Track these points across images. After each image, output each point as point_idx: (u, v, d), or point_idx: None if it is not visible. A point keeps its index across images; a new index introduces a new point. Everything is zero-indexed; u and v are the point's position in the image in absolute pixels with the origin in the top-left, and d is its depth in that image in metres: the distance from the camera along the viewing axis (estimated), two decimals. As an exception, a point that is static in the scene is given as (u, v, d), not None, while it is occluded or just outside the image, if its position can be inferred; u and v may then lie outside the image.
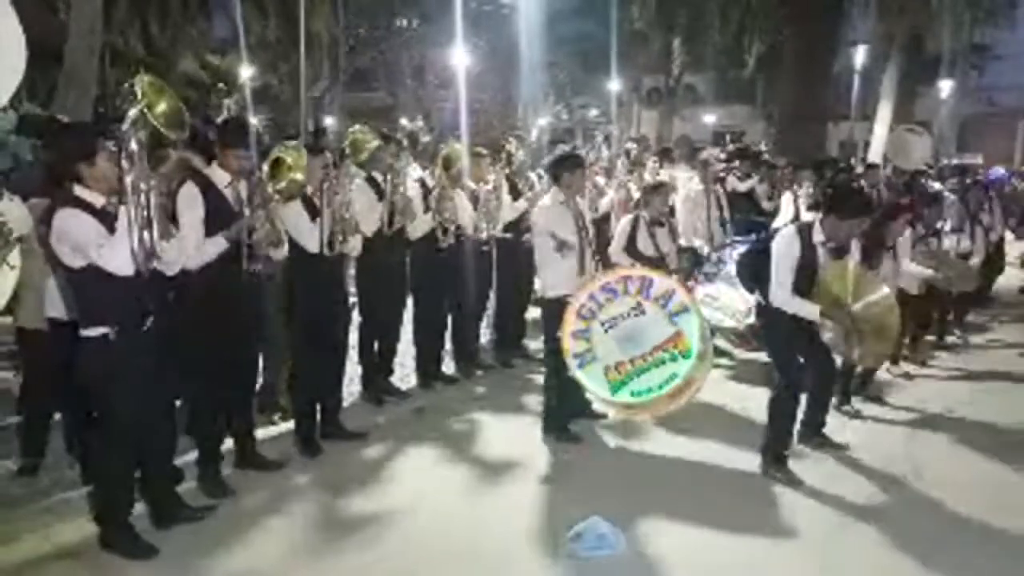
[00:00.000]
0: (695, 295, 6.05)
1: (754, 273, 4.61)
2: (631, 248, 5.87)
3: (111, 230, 3.32)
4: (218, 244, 4.01)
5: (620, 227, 5.90)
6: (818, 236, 4.38)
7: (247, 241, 4.07)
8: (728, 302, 6.44)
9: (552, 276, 4.92)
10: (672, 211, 7.25)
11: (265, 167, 4.30)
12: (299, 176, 4.33)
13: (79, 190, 3.39)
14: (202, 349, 4.08)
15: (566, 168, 4.89)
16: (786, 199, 7.79)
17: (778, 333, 4.50)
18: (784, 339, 4.48)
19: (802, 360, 4.52)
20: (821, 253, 4.38)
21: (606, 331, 4.67)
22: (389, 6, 25.21)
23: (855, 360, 4.91)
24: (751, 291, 4.62)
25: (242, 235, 4.05)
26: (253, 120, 4.72)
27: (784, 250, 4.36)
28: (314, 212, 4.57)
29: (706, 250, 7.00)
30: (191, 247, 3.92)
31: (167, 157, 4.29)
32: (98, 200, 3.39)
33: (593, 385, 4.60)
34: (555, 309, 4.85)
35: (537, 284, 5.51)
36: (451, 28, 16.32)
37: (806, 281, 4.36)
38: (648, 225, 5.91)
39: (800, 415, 4.69)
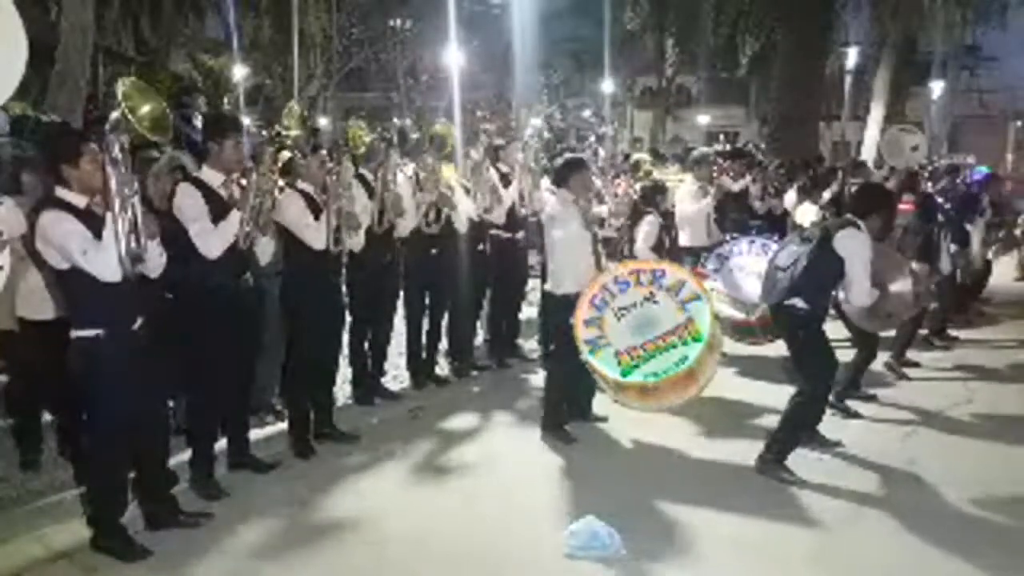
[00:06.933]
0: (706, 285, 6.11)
1: (804, 278, 4.46)
2: (657, 247, 5.93)
3: (96, 232, 3.29)
4: (233, 219, 3.97)
5: (647, 228, 5.90)
6: None
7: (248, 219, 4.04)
8: (733, 293, 6.46)
9: (562, 272, 4.98)
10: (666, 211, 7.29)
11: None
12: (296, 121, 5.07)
13: (61, 191, 3.37)
14: (199, 351, 4.06)
15: (572, 171, 5.01)
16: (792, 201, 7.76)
17: (819, 341, 4.53)
18: (824, 347, 4.54)
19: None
20: None
21: (619, 319, 4.74)
22: (383, 6, 25.19)
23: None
24: (792, 295, 4.50)
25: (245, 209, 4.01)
26: (246, 120, 4.77)
27: (864, 251, 4.41)
28: (316, 210, 4.58)
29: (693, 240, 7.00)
30: (209, 233, 3.91)
31: (152, 159, 4.27)
32: (80, 201, 3.37)
33: (604, 368, 4.65)
34: (562, 305, 4.89)
35: (533, 282, 5.49)
36: (445, 28, 16.31)
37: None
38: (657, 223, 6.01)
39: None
